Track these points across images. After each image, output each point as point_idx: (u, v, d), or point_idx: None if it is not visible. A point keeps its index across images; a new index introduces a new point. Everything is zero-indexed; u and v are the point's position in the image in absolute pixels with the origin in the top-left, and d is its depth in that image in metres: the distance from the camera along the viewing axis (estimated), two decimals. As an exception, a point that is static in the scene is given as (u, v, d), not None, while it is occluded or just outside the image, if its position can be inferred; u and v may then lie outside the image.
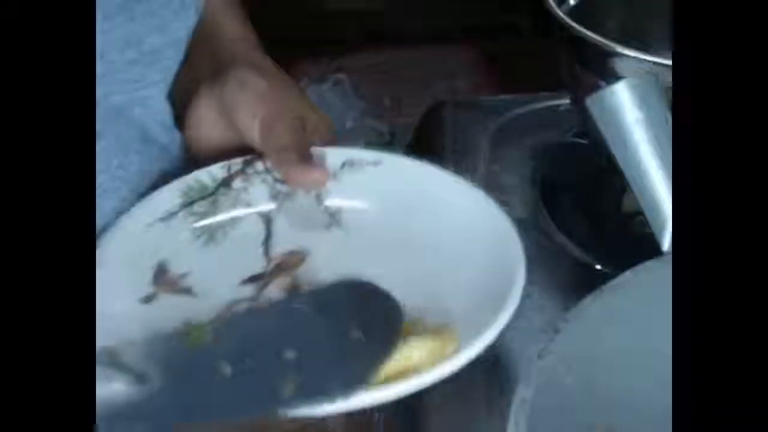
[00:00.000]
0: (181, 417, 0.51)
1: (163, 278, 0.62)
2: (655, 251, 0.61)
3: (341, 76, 2.04)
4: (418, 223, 0.66)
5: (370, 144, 1.99)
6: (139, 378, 0.50)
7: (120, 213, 0.65)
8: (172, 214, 0.65)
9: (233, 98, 0.67)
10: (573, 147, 0.84)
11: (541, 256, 0.75)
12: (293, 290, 0.63)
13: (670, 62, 0.72)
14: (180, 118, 0.70)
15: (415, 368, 0.54)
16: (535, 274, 0.73)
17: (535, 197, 0.81)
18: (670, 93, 0.66)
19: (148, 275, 0.62)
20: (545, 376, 0.51)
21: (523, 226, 0.77)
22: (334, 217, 0.68)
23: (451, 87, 1.90)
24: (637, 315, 0.57)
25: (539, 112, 0.93)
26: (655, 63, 0.68)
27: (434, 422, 0.65)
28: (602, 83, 0.65)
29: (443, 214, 0.66)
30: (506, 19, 1.83)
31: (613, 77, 0.64)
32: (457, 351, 0.55)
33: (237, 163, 0.68)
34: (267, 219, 0.67)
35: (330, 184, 0.68)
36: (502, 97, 0.98)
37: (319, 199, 0.68)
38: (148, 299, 0.61)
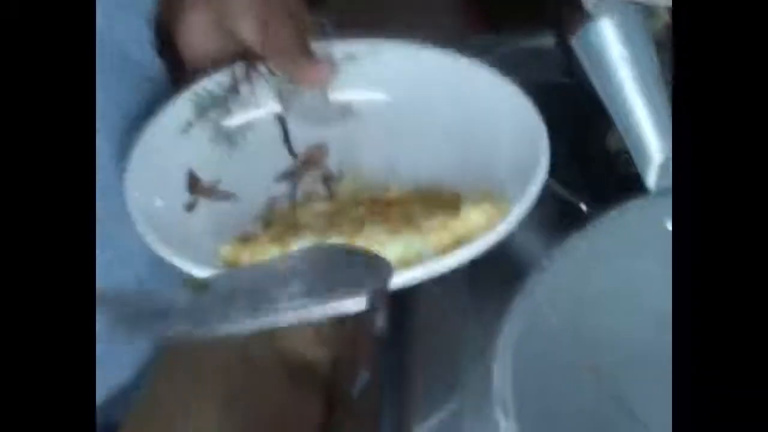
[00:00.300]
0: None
1: (197, 187, 0.63)
2: (640, 189, 0.61)
3: (324, 19, 2.02)
4: (430, 106, 0.67)
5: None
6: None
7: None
8: (189, 124, 0.65)
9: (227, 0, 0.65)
10: (558, 86, 0.83)
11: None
12: (328, 180, 0.64)
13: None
14: (165, 36, 0.68)
15: (475, 232, 0.56)
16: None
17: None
18: (655, 30, 0.65)
19: (182, 185, 0.62)
20: (530, 314, 0.51)
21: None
22: (345, 109, 0.68)
23: (434, 25, 1.88)
24: (622, 254, 0.57)
25: (523, 51, 0.92)
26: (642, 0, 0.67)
27: (420, 365, 0.65)
28: (587, 20, 0.64)
29: (449, 97, 0.67)
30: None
31: (598, 14, 0.63)
32: (508, 210, 0.56)
33: (240, 67, 0.67)
34: (281, 119, 0.67)
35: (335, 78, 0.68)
36: (486, 36, 0.97)
37: (325, 93, 0.67)
38: (190, 207, 0.61)
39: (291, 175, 0.65)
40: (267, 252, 0.58)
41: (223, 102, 0.66)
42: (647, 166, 0.61)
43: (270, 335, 0.50)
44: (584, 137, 0.78)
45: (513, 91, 0.64)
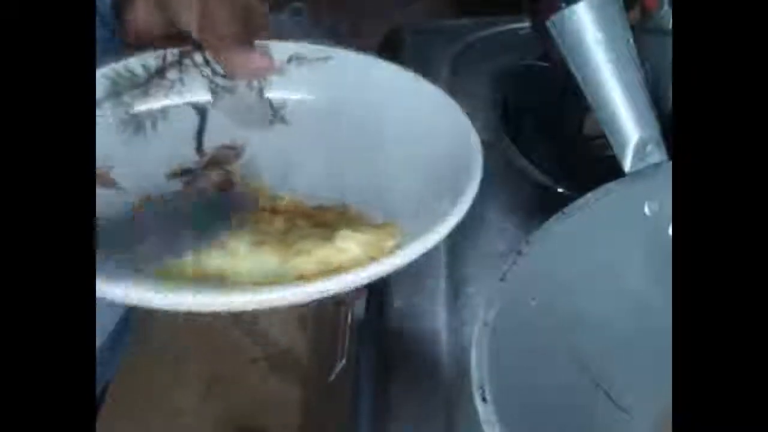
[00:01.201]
0: None
1: None
2: (617, 173, 0.61)
3: (299, 4, 2.01)
4: (365, 119, 0.63)
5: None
6: None
7: None
8: (98, 102, 0.60)
9: None
10: (534, 70, 0.83)
11: (502, 180, 0.75)
12: (226, 185, 0.60)
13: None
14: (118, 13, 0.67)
15: (351, 263, 0.51)
16: (496, 197, 0.74)
17: (497, 121, 0.81)
18: (629, 13, 0.65)
19: None
20: (508, 299, 0.51)
21: (484, 149, 0.77)
22: (277, 112, 0.65)
23: (409, 12, 1.88)
24: (599, 237, 0.57)
25: (500, 35, 0.92)
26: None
27: (398, 355, 0.65)
28: (563, 4, 0.64)
29: (392, 110, 0.63)
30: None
31: (575, -2, 0.63)
32: (397, 247, 0.51)
33: (173, 53, 0.63)
34: (201, 110, 0.63)
35: (275, 78, 0.65)
36: (462, 21, 0.97)
37: (261, 92, 0.65)
38: None
39: (187, 173, 0.61)
40: None
41: (143, 84, 0.62)
42: (623, 149, 0.61)
43: (251, 322, 0.50)
44: (561, 121, 0.78)
45: (456, 116, 0.60)
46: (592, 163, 0.73)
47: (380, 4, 1.89)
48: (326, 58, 0.65)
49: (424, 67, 0.89)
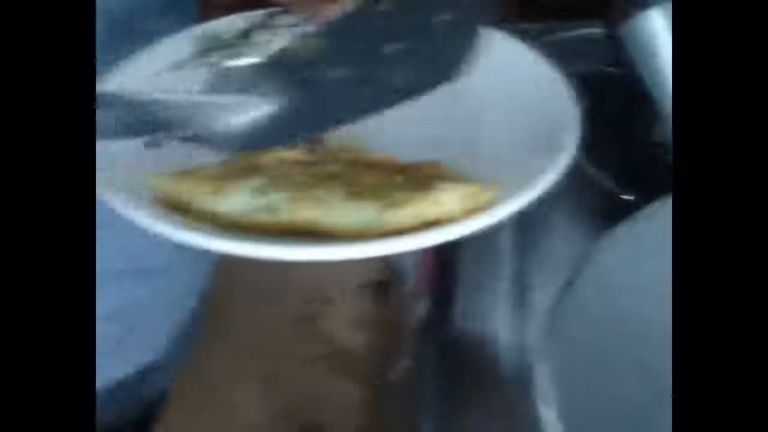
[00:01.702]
0: (305, 130, 0.50)
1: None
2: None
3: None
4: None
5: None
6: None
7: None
8: (181, 63, 0.60)
9: None
10: (604, 76, 0.83)
11: (569, 186, 0.75)
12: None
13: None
14: None
15: (447, 217, 0.49)
16: (563, 203, 0.73)
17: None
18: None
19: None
20: (573, 305, 0.51)
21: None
22: None
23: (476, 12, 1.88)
24: (667, 245, 0.56)
25: (570, 40, 0.92)
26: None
27: (460, 356, 0.65)
28: (636, 10, 0.63)
29: (485, 68, 0.59)
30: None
31: (648, 3, 0.62)
32: (494, 203, 0.49)
33: (258, 14, 0.62)
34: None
35: None
36: (533, 25, 0.97)
37: None
38: (150, 144, 0.54)
39: None
40: (202, 187, 0.53)
41: (229, 46, 0.61)
42: (694, 158, 0.61)
43: (311, 320, 0.51)
44: (630, 127, 0.78)
45: (549, 73, 0.59)
46: (661, 170, 0.73)
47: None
48: None
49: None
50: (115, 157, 0.51)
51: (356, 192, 0.51)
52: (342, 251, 0.46)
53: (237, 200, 0.51)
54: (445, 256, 0.73)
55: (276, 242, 0.47)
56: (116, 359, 0.70)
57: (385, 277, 0.94)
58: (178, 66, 0.59)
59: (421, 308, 0.72)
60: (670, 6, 0.61)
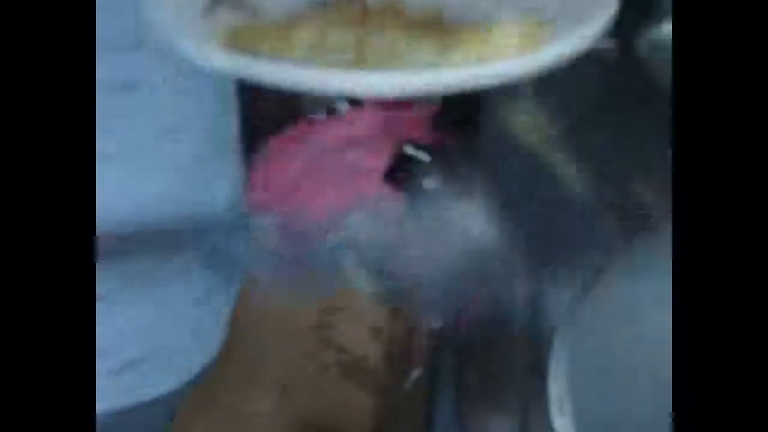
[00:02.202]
0: None
1: None
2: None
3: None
4: None
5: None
6: None
7: None
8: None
9: None
10: (621, 89, 0.83)
11: (584, 203, 0.75)
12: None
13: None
14: None
15: (509, 52, 0.50)
16: (577, 212, 0.74)
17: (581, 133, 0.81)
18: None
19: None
20: (589, 314, 0.51)
21: (566, 168, 0.78)
22: None
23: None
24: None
25: (586, 54, 0.92)
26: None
27: (473, 365, 0.65)
28: (651, 23, 0.64)
29: None
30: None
31: (662, 17, 0.63)
32: (553, 38, 0.50)
33: None
34: None
35: None
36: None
37: None
38: (207, 11, 0.56)
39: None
40: (266, 34, 0.53)
41: None
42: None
43: (327, 329, 0.51)
44: (644, 146, 0.78)
45: None
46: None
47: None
48: None
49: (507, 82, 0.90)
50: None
51: (416, 35, 0.52)
52: (409, 81, 0.47)
53: (304, 40, 0.52)
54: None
55: (347, 73, 0.48)
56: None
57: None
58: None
59: (435, 318, 0.73)
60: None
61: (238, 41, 0.53)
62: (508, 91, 0.87)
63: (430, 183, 0.87)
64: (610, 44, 0.85)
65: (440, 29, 0.53)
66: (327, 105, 1.66)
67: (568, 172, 0.78)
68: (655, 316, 0.53)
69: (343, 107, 1.62)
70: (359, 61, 0.51)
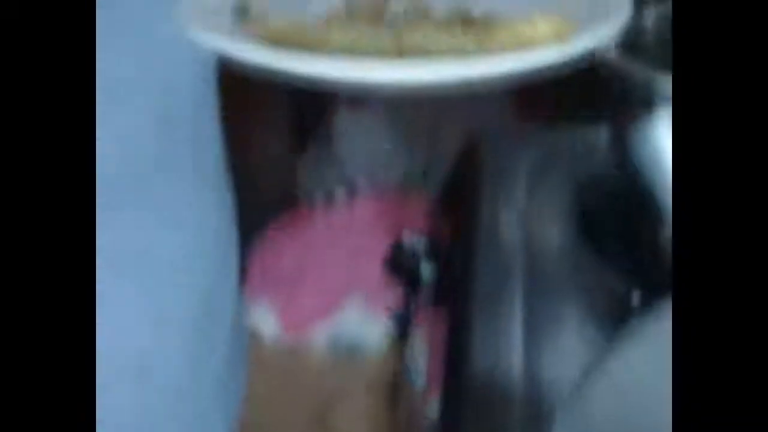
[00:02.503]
0: None
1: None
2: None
3: (377, 102, 2.05)
4: None
5: (407, 173, 2.00)
6: None
7: None
8: None
9: None
10: (612, 177, 0.85)
11: (580, 285, 0.76)
12: None
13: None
14: None
15: (541, 41, 0.52)
16: (574, 302, 0.74)
17: (575, 227, 0.82)
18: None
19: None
20: (589, 403, 0.51)
21: (561, 256, 0.79)
22: None
23: (488, 115, 1.90)
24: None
25: (577, 142, 0.93)
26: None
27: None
28: (641, 113, 0.65)
29: None
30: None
31: (653, 107, 0.64)
32: (578, 32, 0.53)
33: None
34: None
35: None
36: (541, 127, 0.99)
37: None
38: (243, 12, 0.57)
39: None
40: (304, 33, 0.56)
41: None
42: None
43: (324, 417, 0.52)
44: (638, 228, 0.79)
45: None
46: (668, 269, 0.74)
47: (460, 107, 1.92)
48: None
49: (502, 173, 0.91)
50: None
51: (452, 28, 0.55)
52: (448, 69, 0.50)
53: (342, 38, 0.55)
54: (454, 359, 0.74)
55: (391, 65, 0.51)
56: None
57: (395, 378, 0.95)
58: None
59: (431, 409, 0.73)
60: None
61: (277, 40, 0.55)
62: (502, 182, 0.89)
63: (427, 271, 0.87)
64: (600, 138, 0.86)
65: (473, 23, 0.56)
66: (325, 192, 1.68)
67: (564, 255, 0.79)
68: (657, 390, 0.53)
69: (341, 194, 1.64)
70: (398, 54, 0.54)
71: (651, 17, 0.80)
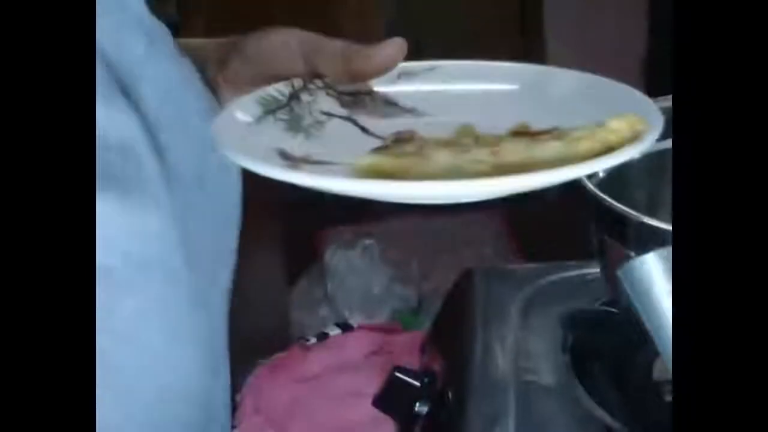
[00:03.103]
0: None
1: (292, 158, 0.61)
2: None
3: (369, 242, 2.07)
4: None
5: (398, 311, 2.00)
6: None
7: None
8: (259, 119, 0.64)
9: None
10: (603, 315, 0.85)
11: (572, 425, 0.76)
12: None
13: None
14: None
15: (621, 143, 0.57)
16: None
17: (566, 364, 0.82)
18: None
19: (276, 159, 0.61)
20: None
21: (553, 394, 0.79)
22: (412, 108, 0.68)
23: (478, 254, 1.92)
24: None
25: (569, 280, 0.94)
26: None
27: None
28: (632, 254, 0.66)
29: None
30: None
31: (642, 248, 0.65)
32: (647, 129, 0.57)
33: (297, 81, 0.67)
34: (351, 119, 0.66)
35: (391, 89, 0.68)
36: (532, 265, 1.00)
37: (383, 97, 0.68)
38: (292, 167, 0.60)
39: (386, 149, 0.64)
40: (404, 161, 0.59)
41: (286, 106, 0.66)
42: (693, 396, 0.62)
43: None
44: (630, 366, 0.79)
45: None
46: (662, 408, 0.74)
47: (450, 245, 1.94)
48: (432, 68, 0.69)
49: (493, 310, 0.92)
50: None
51: (536, 140, 0.60)
52: (543, 178, 0.53)
53: (441, 159, 0.59)
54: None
55: (490, 181, 0.54)
56: None
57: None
58: (258, 119, 0.64)
59: None
60: (667, 251, 0.64)
61: (374, 173, 0.59)
62: (495, 318, 0.90)
63: (420, 408, 0.87)
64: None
65: (554, 134, 0.61)
66: (318, 330, 1.68)
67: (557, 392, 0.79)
68: None
69: (335, 332, 1.64)
70: (497, 170, 0.57)
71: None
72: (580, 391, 0.79)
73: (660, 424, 0.60)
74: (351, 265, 2.02)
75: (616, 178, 0.80)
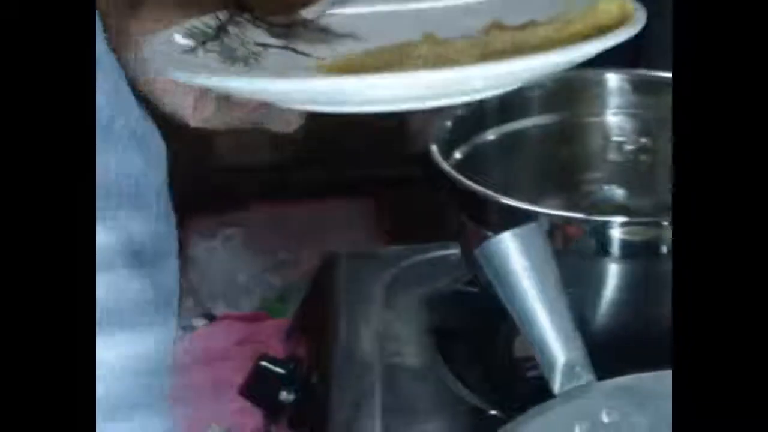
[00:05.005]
0: None
1: None
2: (547, 394, 0.62)
3: (231, 230, 2.05)
4: None
5: (266, 299, 1.99)
6: None
7: None
8: (192, 49, 0.62)
9: None
10: (465, 295, 0.86)
11: (437, 405, 0.76)
12: None
13: (552, 212, 0.75)
14: None
15: (611, 25, 0.57)
16: (431, 422, 0.75)
17: (430, 346, 0.83)
18: (553, 240, 0.69)
19: None
20: None
21: (418, 375, 0.79)
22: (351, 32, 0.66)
23: (346, 239, 1.92)
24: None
25: (432, 261, 0.95)
26: (538, 212, 0.71)
27: None
28: (489, 233, 0.67)
29: None
30: (400, 171, 1.88)
31: (499, 227, 0.66)
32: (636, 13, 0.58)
33: (223, 12, 0.65)
34: (290, 48, 0.65)
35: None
36: (395, 248, 1.00)
37: (316, 23, 0.66)
38: None
39: None
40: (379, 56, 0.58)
41: (216, 37, 0.64)
42: (552, 371, 0.63)
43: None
44: (492, 344, 0.80)
45: None
46: (524, 384, 0.75)
47: (317, 231, 1.93)
48: None
49: (357, 293, 0.92)
50: None
51: (530, 27, 0.60)
52: (538, 60, 0.53)
53: (423, 53, 0.58)
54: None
55: (482, 66, 0.53)
56: None
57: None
58: (191, 51, 0.62)
59: None
60: (522, 229, 0.65)
61: (343, 69, 0.58)
62: (359, 302, 0.90)
63: (287, 396, 0.87)
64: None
65: (540, 21, 0.61)
66: (182, 322, 1.65)
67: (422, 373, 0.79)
68: None
69: (199, 323, 1.62)
70: (486, 58, 0.56)
71: (492, 136, 0.84)
72: (445, 371, 0.79)
73: (522, 400, 0.60)
74: (213, 255, 2.00)
75: (473, 158, 0.81)
